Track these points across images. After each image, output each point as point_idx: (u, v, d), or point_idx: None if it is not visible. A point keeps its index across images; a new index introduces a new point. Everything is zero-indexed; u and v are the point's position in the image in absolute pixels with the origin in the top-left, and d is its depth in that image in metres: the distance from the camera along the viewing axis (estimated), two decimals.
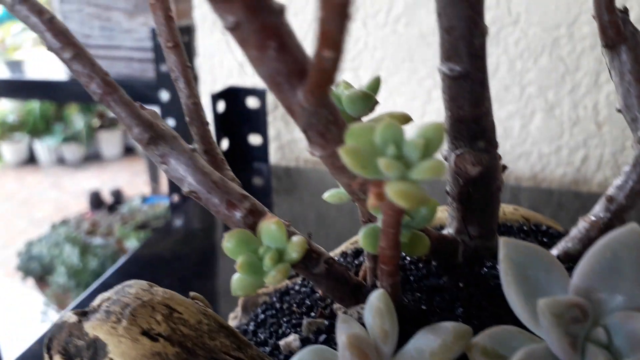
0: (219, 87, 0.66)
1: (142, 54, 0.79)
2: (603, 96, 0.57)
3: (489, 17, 0.57)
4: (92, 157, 3.32)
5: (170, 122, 0.78)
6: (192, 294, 0.18)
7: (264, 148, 0.61)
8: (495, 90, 0.59)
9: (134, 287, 0.17)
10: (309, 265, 0.17)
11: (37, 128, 3.18)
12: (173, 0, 0.72)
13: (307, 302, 0.22)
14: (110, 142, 3.30)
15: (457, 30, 0.16)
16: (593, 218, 0.19)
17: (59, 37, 0.15)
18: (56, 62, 0.97)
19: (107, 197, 1.45)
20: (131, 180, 3.23)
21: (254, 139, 0.62)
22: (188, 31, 0.77)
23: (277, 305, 0.23)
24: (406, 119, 0.18)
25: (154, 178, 2.19)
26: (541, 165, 0.61)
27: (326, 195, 0.19)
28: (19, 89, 0.88)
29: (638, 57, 0.18)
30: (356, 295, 0.18)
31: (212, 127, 0.67)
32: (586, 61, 0.56)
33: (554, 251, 0.20)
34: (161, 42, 0.18)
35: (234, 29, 0.11)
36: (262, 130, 0.61)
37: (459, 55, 0.16)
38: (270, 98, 0.64)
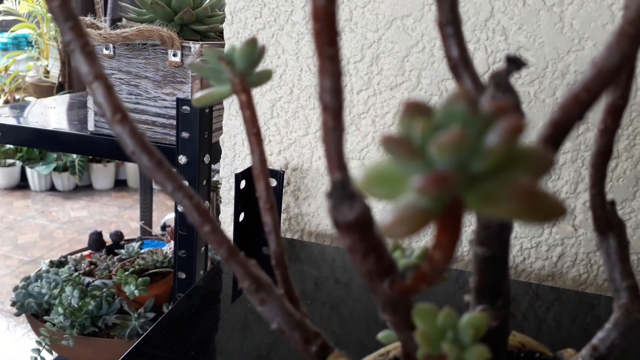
0: (237, 162, 0.73)
1: (165, 120, 0.86)
2: (580, 203, 0.65)
3: None
4: (83, 188, 3.34)
5: (185, 183, 0.84)
6: None
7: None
8: None
9: None
10: None
11: (31, 155, 3.20)
12: (198, 77, 0.80)
13: None
14: (102, 174, 3.33)
15: (492, 228, 0.22)
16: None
17: (201, 214, 0.21)
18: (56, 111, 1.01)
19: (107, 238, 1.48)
20: (119, 213, 3.25)
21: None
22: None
23: None
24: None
25: (145, 218, 2.22)
26: (522, 257, 0.68)
27: (380, 335, 0.24)
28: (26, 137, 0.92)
29: (622, 243, 0.24)
30: None
31: (232, 206, 0.73)
32: (567, 172, 0.64)
33: None
34: (260, 204, 0.24)
35: (350, 248, 0.17)
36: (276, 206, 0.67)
37: (491, 243, 0.22)
38: (285, 179, 0.70)
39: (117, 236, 1.27)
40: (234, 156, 0.72)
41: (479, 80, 0.20)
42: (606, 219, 0.24)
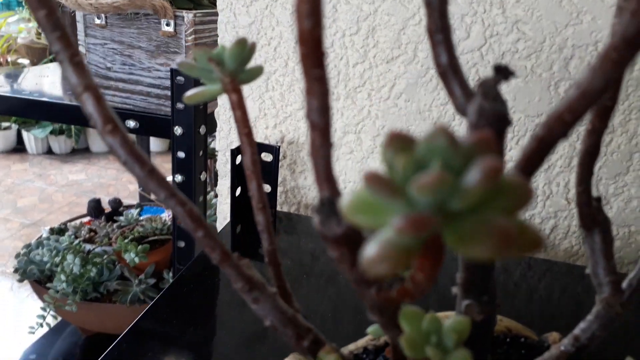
0: (233, 135, 0.73)
1: (159, 91, 0.85)
2: (574, 177, 0.65)
3: None
4: (81, 151, 3.33)
5: (181, 154, 0.84)
6: None
7: (272, 195, 0.68)
8: None
9: None
10: None
11: (27, 119, 3.18)
12: (192, 47, 0.78)
13: None
14: (99, 137, 3.31)
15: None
16: (562, 348, 0.27)
17: (194, 220, 0.21)
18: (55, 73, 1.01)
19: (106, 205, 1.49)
20: (117, 176, 3.25)
21: (265, 187, 0.69)
22: None
23: None
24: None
25: (144, 199, 2.22)
26: None
27: (369, 330, 0.25)
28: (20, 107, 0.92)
29: (606, 239, 0.25)
30: None
31: (229, 177, 0.74)
32: (562, 146, 0.64)
33: None
34: (253, 204, 0.24)
35: (338, 259, 0.18)
36: (272, 181, 0.67)
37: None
38: (281, 153, 0.70)
39: (116, 203, 1.28)
40: (229, 129, 0.72)
41: (467, 87, 0.20)
42: (592, 216, 0.24)
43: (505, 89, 0.64)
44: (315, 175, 0.17)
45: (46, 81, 1.05)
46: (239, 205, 0.65)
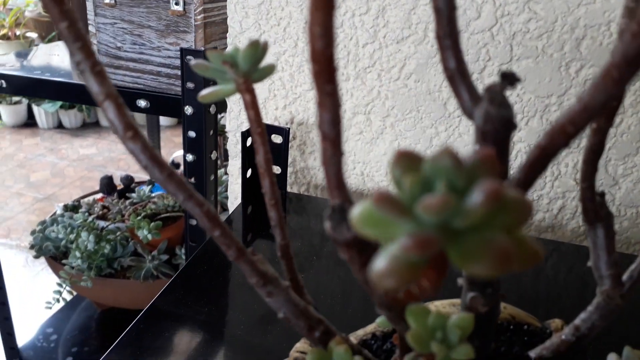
0: (244, 115, 0.73)
1: (169, 70, 0.86)
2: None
3: (490, 80, 0.65)
4: (91, 125, 3.35)
5: (192, 133, 0.85)
6: None
7: (282, 177, 0.69)
8: None
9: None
10: None
11: None
12: (202, 26, 0.79)
13: None
14: None
15: None
16: (563, 337, 0.28)
17: (211, 219, 0.22)
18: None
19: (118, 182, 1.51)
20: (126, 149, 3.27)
21: (274, 169, 0.70)
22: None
23: None
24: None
25: None
26: None
27: (378, 320, 0.26)
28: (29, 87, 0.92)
29: (609, 234, 0.26)
30: None
31: (239, 158, 0.74)
32: None
33: (532, 353, 0.28)
34: (266, 199, 0.25)
35: (348, 260, 0.19)
36: (282, 162, 0.68)
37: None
38: (291, 134, 0.71)
39: (128, 180, 1.30)
40: (239, 110, 0.73)
41: (474, 91, 0.21)
42: (595, 211, 0.25)
43: (516, 69, 0.64)
44: (327, 183, 0.18)
45: (56, 60, 1.06)
46: (250, 187, 0.66)
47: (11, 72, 0.91)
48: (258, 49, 0.23)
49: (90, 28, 0.87)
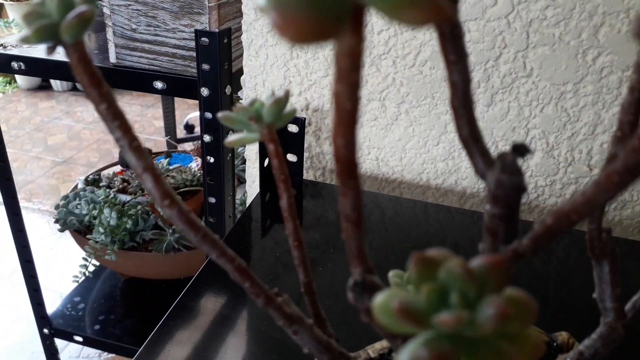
0: None
1: (185, 52, 0.86)
2: (597, 144, 0.66)
3: (506, 68, 0.65)
4: None
5: (208, 114, 0.86)
6: None
7: (299, 165, 0.71)
8: (503, 130, 0.68)
9: None
10: None
11: None
12: (215, 7, 0.79)
13: None
14: None
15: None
16: None
17: (241, 273, 0.24)
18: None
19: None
20: (142, 112, 3.30)
21: (291, 157, 0.71)
22: (228, 33, 0.84)
23: None
24: None
25: (168, 117, 2.25)
26: (536, 194, 0.71)
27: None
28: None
29: (614, 269, 0.27)
30: None
31: (256, 144, 0.76)
32: (587, 114, 0.65)
33: None
34: (290, 241, 0.27)
35: (370, 322, 0.21)
36: (298, 151, 0.69)
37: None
38: (306, 120, 0.72)
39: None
40: (255, 96, 0.74)
41: (487, 155, 0.22)
42: (601, 248, 0.26)
43: (532, 57, 0.64)
44: (348, 252, 0.20)
45: None
46: (267, 175, 0.68)
47: (28, 54, 0.92)
48: (282, 104, 0.25)
49: (105, 10, 0.87)
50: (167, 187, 0.21)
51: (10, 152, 2.77)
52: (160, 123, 3.03)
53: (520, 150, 0.20)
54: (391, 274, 0.27)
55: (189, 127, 2.79)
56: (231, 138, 0.26)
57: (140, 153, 0.21)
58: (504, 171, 0.21)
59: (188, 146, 2.60)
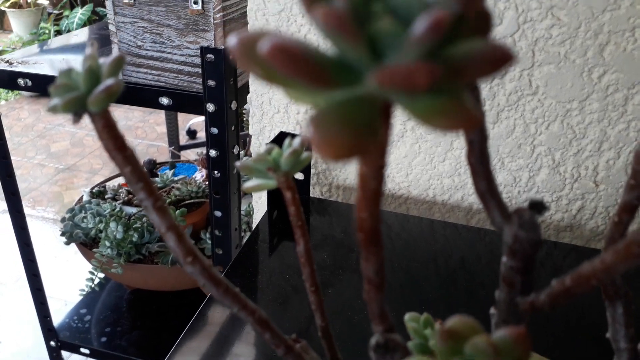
0: (266, 120, 0.74)
1: (190, 68, 0.86)
2: (603, 160, 0.66)
3: (512, 86, 0.65)
4: None
5: (214, 129, 0.87)
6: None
7: (306, 183, 0.71)
8: (509, 147, 0.68)
9: None
10: None
11: None
12: (221, 24, 0.79)
13: None
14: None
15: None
16: None
17: (261, 325, 0.24)
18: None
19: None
20: (144, 118, 3.30)
21: (298, 175, 0.72)
22: None
23: None
24: None
25: (170, 123, 2.26)
26: None
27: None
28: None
29: (628, 310, 0.27)
30: None
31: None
32: (593, 131, 0.65)
33: None
34: (307, 286, 0.27)
35: None
36: (305, 169, 0.70)
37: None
38: None
39: (151, 164, 1.33)
40: (262, 114, 0.74)
41: (505, 209, 0.22)
42: (615, 290, 0.27)
43: (537, 75, 0.64)
44: (370, 313, 0.20)
45: (76, 50, 1.07)
46: (275, 193, 0.68)
47: (34, 71, 0.92)
48: (299, 154, 0.25)
49: (111, 27, 0.88)
50: (190, 245, 0.22)
51: (13, 159, 2.78)
52: (162, 129, 3.03)
53: (538, 207, 0.21)
54: (407, 317, 0.27)
55: (191, 133, 2.79)
56: (249, 184, 0.27)
57: (164, 213, 0.21)
58: (522, 227, 0.21)
59: (191, 154, 2.60)
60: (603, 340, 0.29)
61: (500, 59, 0.11)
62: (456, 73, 0.11)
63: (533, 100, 0.65)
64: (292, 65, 0.11)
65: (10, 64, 0.96)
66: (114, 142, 0.20)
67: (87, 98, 0.18)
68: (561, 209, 0.70)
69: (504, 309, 0.24)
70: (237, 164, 0.26)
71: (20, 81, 0.93)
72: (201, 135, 2.82)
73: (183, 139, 2.69)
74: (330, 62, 0.11)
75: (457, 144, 0.70)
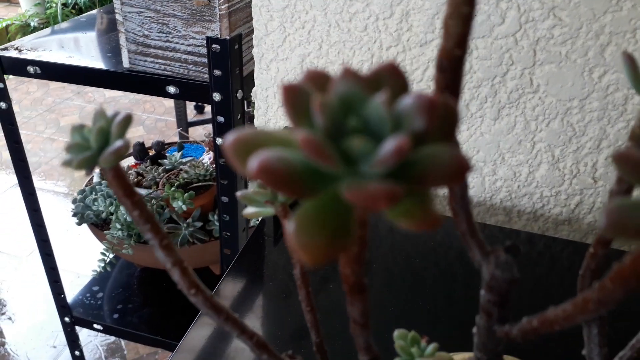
0: (270, 113, 0.76)
1: (196, 58, 0.88)
2: (602, 158, 0.67)
3: (513, 84, 0.66)
4: None
5: (221, 118, 0.89)
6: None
7: None
8: (510, 143, 0.69)
9: None
10: None
11: None
12: (226, 15, 0.80)
13: None
14: None
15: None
16: None
17: (260, 347, 0.26)
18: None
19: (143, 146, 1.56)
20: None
21: None
22: (239, 40, 0.85)
23: None
24: None
25: (181, 116, 2.26)
26: (542, 204, 0.73)
27: None
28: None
29: (602, 331, 0.29)
30: None
31: None
32: (592, 129, 0.66)
33: None
34: (303, 306, 0.29)
35: None
36: None
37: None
38: None
39: (159, 146, 1.35)
40: (266, 108, 0.76)
41: (483, 247, 0.24)
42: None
43: (538, 74, 0.65)
44: (357, 345, 0.22)
45: (84, 40, 1.08)
46: None
47: (46, 59, 0.94)
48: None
49: (117, 17, 0.89)
50: (193, 278, 0.24)
51: (23, 133, 2.80)
52: (170, 103, 3.04)
53: (512, 251, 0.23)
54: (396, 334, 0.30)
55: (199, 107, 2.80)
56: (248, 210, 0.29)
57: (170, 250, 0.23)
58: (498, 267, 0.23)
59: (200, 130, 2.62)
60: (579, 356, 0.31)
61: (458, 172, 0.13)
62: (419, 182, 0.13)
63: (534, 98, 0.66)
64: (276, 183, 0.13)
65: (20, 51, 0.97)
66: (123, 190, 0.22)
67: (98, 156, 0.20)
68: (560, 203, 0.72)
69: (483, 333, 0.26)
70: (238, 194, 0.27)
71: (30, 69, 0.94)
72: (209, 109, 2.83)
73: (191, 114, 2.70)
74: (310, 172, 0.13)
75: (459, 140, 0.71)
